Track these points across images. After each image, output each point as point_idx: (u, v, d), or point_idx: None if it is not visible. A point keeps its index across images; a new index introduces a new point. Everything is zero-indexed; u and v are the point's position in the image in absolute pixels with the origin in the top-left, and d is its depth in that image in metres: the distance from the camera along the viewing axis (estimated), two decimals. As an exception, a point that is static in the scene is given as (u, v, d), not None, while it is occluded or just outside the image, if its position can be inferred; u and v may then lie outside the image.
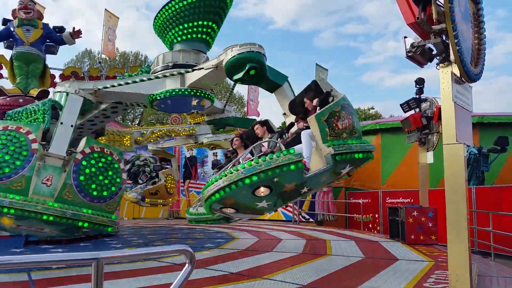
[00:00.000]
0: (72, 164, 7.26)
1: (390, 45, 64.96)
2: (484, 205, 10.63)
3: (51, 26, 11.60)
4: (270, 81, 7.21)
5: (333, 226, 15.81)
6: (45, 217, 6.74)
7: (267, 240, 9.90)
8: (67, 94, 8.01)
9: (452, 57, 4.14)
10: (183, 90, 7.73)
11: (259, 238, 10.41)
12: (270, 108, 60.08)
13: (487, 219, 9.36)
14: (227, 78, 7.55)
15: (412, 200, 12.73)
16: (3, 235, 8.52)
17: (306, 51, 68.89)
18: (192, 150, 20.40)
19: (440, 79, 4.17)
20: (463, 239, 3.93)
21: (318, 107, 5.70)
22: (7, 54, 11.72)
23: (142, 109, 43.73)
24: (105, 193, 7.51)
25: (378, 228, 14.46)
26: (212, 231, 12.32)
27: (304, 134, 5.66)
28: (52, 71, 12.87)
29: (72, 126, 7.76)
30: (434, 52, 4.54)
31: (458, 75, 4.21)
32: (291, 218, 16.94)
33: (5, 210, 6.58)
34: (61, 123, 7.71)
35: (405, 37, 4.64)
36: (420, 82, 10.57)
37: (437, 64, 4.35)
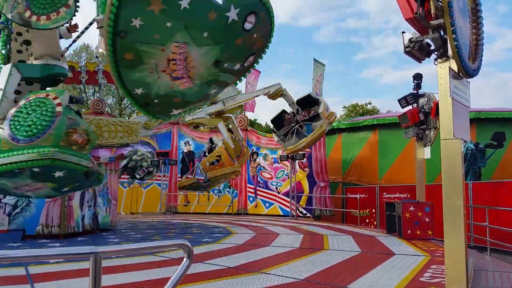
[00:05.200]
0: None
1: (390, 41, 64.88)
2: (481, 200, 10.68)
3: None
4: None
5: (330, 221, 15.87)
6: None
7: (265, 235, 9.93)
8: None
9: (450, 52, 4.14)
10: None
11: (256, 233, 10.44)
12: (264, 106, 60.03)
13: (484, 214, 9.40)
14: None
15: (409, 195, 12.77)
16: (1, 230, 8.52)
17: (306, 46, 68.78)
18: (190, 145, 20.45)
19: (437, 74, 4.16)
20: (460, 234, 3.95)
21: None
22: (3, 48, 11.64)
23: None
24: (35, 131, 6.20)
25: (375, 223, 14.52)
26: (209, 226, 12.34)
27: None
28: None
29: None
30: (432, 47, 4.54)
31: (456, 70, 4.21)
32: (289, 213, 16.99)
33: None
34: None
35: (403, 32, 4.63)
36: (417, 77, 10.56)
37: (435, 59, 4.34)
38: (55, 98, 6.06)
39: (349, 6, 66.96)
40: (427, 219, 9.23)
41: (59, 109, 5.93)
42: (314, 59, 18.44)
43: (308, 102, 11.84)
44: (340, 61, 68.20)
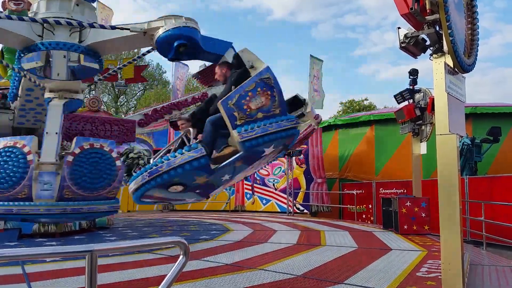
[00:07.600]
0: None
1: (388, 36, 65.00)
2: (477, 195, 10.73)
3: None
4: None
5: (327, 217, 15.91)
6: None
7: (262, 232, 9.94)
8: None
9: (445, 48, 4.14)
10: None
11: (253, 229, 10.44)
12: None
13: (480, 209, 9.45)
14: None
15: (405, 191, 12.82)
16: (-3, 229, 8.49)
17: (304, 42, 68.80)
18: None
19: (433, 69, 4.17)
20: (456, 229, 3.96)
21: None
22: (-2, 46, 11.56)
23: (135, 102, 43.39)
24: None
25: (371, 218, 14.57)
26: (207, 223, 12.34)
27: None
28: (43, 63, 12.65)
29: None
30: (428, 42, 4.54)
31: (451, 65, 4.21)
32: (286, 210, 17.02)
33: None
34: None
35: (399, 27, 4.63)
36: (413, 73, 10.58)
37: (430, 54, 4.35)
38: None
39: (347, 2, 67.01)
40: (423, 214, 9.28)
41: None
42: (311, 56, 18.45)
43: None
44: (338, 57, 68.25)
